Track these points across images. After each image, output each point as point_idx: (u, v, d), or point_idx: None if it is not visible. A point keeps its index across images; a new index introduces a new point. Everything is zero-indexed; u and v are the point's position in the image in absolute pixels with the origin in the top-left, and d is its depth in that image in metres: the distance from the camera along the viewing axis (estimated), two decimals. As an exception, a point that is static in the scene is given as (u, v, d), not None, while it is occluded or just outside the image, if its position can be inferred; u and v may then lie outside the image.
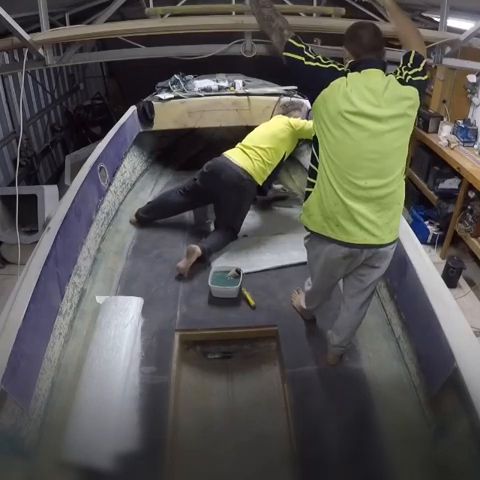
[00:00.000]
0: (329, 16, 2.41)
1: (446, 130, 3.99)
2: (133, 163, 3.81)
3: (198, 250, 2.69)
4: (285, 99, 3.50)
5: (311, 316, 2.34)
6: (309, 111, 3.25)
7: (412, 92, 1.58)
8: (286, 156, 3.07)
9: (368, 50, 1.62)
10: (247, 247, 3.00)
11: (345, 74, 1.58)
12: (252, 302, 2.46)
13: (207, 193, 2.96)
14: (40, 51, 2.14)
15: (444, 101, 4.37)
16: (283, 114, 3.20)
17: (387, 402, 1.90)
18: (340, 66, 1.63)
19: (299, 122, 3.02)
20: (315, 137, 1.68)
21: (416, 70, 1.62)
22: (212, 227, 3.15)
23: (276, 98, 3.79)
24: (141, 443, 1.75)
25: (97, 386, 1.86)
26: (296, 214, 2.89)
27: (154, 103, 3.79)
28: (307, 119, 3.19)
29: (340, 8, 2.40)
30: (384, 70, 1.61)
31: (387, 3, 1.95)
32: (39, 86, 5.13)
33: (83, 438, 1.69)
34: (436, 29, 2.28)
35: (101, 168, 2.96)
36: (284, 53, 1.71)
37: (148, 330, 2.27)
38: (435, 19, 3.17)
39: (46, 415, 1.73)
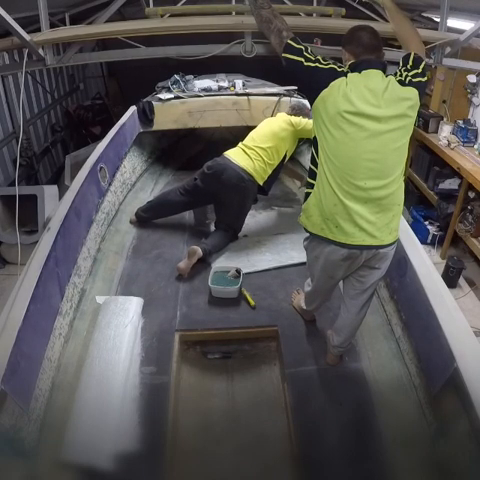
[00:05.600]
0: (329, 16, 2.41)
1: (446, 130, 4.00)
2: (133, 163, 3.81)
3: (199, 251, 2.69)
4: (293, 102, 3.49)
5: (311, 316, 2.34)
6: (310, 111, 3.25)
7: (412, 93, 1.58)
8: (287, 156, 3.06)
9: (368, 50, 1.62)
10: (247, 247, 3.00)
11: (345, 74, 1.58)
12: (252, 302, 2.46)
13: (207, 193, 2.96)
14: (40, 51, 2.14)
15: (444, 101, 4.37)
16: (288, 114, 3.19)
17: (387, 402, 1.90)
18: (340, 67, 1.63)
19: (301, 121, 3.02)
20: (315, 138, 1.68)
21: (416, 71, 1.62)
22: (212, 227, 3.15)
23: (276, 98, 3.80)
24: (141, 443, 1.75)
25: (97, 386, 1.86)
26: (296, 214, 2.88)
27: (154, 103, 3.79)
28: (309, 118, 3.19)
29: (340, 8, 2.40)
30: (384, 71, 1.61)
31: (386, 4, 1.95)
32: (39, 86, 5.13)
33: (83, 438, 1.69)
34: (436, 29, 2.28)
35: (101, 168, 2.96)
36: (283, 54, 1.71)
37: (148, 330, 2.27)
38: (435, 19, 3.18)
39: (46, 415, 1.73)
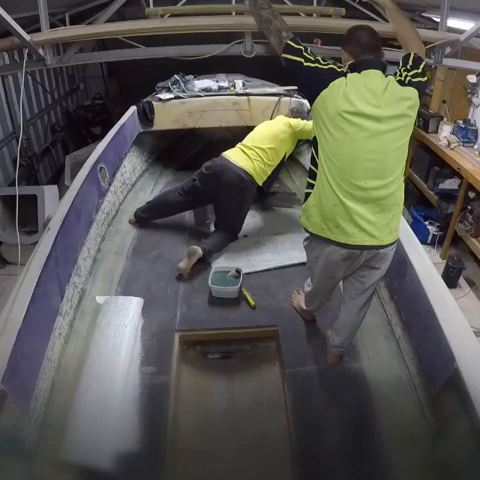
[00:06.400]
0: (329, 16, 2.41)
1: (446, 130, 4.00)
2: (133, 163, 3.81)
3: (199, 251, 2.69)
4: (293, 105, 3.50)
5: (311, 317, 2.34)
6: (309, 112, 3.26)
7: (412, 93, 1.58)
8: (286, 156, 3.07)
9: (367, 50, 1.62)
10: (247, 247, 3.00)
11: (345, 75, 1.58)
12: (252, 302, 2.46)
13: (206, 194, 2.96)
14: (40, 51, 2.14)
15: (444, 101, 4.37)
16: (287, 116, 3.20)
17: (387, 402, 1.90)
18: (339, 67, 1.63)
19: (299, 123, 3.03)
20: (315, 138, 1.68)
21: (415, 71, 1.62)
22: (212, 227, 3.15)
23: (276, 98, 3.80)
24: (141, 443, 1.75)
25: (97, 386, 1.86)
26: (296, 214, 2.90)
27: (154, 103, 3.79)
28: (307, 119, 3.19)
29: (340, 8, 2.40)
30: (384, 71, 1.61)
31: (387, 4, 1.95)
32: (39, 86, 5.13)
33: (83, 438, 1.69)
34: (436, 29, 2.28)
35: (101, 168, 2.96)
36: (283, 55, 1.71)
37: (148, 330, 2.27)
38: (435, 19, 3.17)
39: (46, 415, 1.73)
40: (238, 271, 2.60)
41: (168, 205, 3.14)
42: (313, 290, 2.08)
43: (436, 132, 4.19)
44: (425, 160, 4.22)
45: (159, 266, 2.81)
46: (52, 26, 2.29)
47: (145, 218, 3.22)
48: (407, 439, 1.74)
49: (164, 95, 3.85)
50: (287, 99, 3.75)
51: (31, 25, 2.60)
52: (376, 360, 2.12)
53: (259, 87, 4.03)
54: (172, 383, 2.00)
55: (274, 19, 1.82)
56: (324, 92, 1.57)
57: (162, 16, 2.36)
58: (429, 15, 3.34)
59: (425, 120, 4.26)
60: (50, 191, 3.82)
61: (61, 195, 3.50)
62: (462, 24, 2.65)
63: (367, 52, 1.62)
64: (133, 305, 2.32)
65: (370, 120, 1.54)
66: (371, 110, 1.53)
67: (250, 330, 2.33)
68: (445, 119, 4.24)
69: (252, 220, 3.33)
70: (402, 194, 1.69)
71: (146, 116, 3.78)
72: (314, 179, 1.70)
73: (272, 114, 3.71)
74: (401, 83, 1.58)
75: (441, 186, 3.88)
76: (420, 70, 1.64)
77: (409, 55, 1.69)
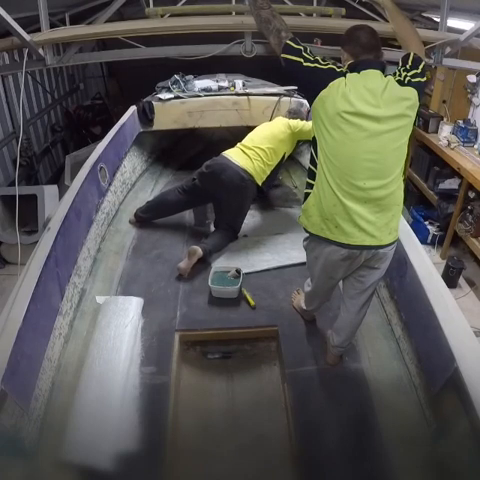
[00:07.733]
0: (329, 16, 2.41)
1: (446, 130, 4.00)
2: (133, 163, 3.82)
3: (199, 251, 2.69)
4: (290, 106, 3.51)
5: (311, 317, 2.34)
6: (309, 112, 3.26)
7: (411, 93, 1.58)
8: (285, 156, 3.07)
9: (366, 50, 1.62)
10: (247, 247, 3.00)
11: (344, 75, 1.58)
12: (252, 302, 2.46)
13: (206, 193, 2.96)
14: (40, 51, 2.14)
15: (444, 101, 4.37)
16: (285, 117, 3.21)
17: (387, 402, 1.90)
18: (339, 67, 1.63)
19: (298, 123, 3.03)
20: (314, 138, 1.68)
21: (415, 72, 1.62)
22: (212, 227, 3.15)
23: (276, 98, 3.80)
24: (141, 443, 1.75)
25: (97, 386, 1.86)
26: (296, 214, 2.90)
27: (154, 103, 3.80)
28: (307, 120, 3.20)
29: (340, 8, 2.40)
30: (383, 71, 1.61)
31: (386, 4, 1.95)
32: (39, 86, 5.13)
33: (83, 438, 1.69)
34: (436, 29, 2.28)
35: (101, 168, 2.96)
36: (282, 55, 1.71)
37: (148, 330, 2.27)
38: (435, 19, 3.18)
39: (46, 415, 1.73)
40: (238, 271, 2.60)
41: (168, 205, 3.14)
42: (313, 290, 2.08)
43: (436, 132, 4.19)
44: (425, 160, 4.22)
45: (159, 266, 2.81)
46: (52, 26, 2.29)
47: (145, 218, 3.22)
48: (407, 439, 1.74)
49: (164, 95, 3.85)
50: (287, 99, 3.75)
51: (31, 25, 2.60)
52: (376, 360, 2.12)
53: (259, 87, 4.03)
54: (172, 383, 2.00)
55: (273, 19, 1.82)
56: (323, 92, 1.57)
57: (162, 16, 2.37)
58: (429, 15, 3.34)
59: (425, 120, 4.26)
60: (50, 191, 3.83)
61: (61, 195, 3.50)
62: (462, 24, 2.65)
63: (366, 52, 1.62)
64: (133, 305, 2.32)
65: (369, 120, 1.53)
66: (370, 110, 1.53)
67: (250, 330, 2.33)
68: (445, 119, 4.24)
69: (252, 220, 3.33)
70: (401, 194, 1.69)
71: (146, 116, 3.78)
72: (313, 179, 1.70)
73: (272, 114, 3.71)
74: (400, 83, 1.58)
75: (441, 186, 3.88)
76: (419, 70, 1.64)
77: (408, 55, 1.69)
